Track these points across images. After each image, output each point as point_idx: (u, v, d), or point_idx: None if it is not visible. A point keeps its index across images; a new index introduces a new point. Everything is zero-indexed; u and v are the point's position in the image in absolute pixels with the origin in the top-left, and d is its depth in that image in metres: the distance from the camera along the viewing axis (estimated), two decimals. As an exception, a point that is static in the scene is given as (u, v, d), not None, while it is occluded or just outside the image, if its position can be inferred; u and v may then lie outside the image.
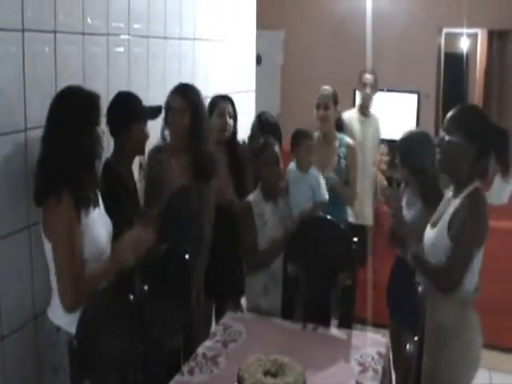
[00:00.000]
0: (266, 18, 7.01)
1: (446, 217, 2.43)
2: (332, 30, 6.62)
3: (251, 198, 3.14)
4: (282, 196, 3.19)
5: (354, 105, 6.76)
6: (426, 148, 2.86)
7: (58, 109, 2.18)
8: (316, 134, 3.74)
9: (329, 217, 3.01)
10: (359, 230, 4.09)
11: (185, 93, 2.97)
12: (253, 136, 3.79)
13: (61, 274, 2.11)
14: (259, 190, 3.15)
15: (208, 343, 2.56)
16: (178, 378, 2.31)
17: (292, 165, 3.37)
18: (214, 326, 3.32)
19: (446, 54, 10.09)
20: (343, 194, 3.65)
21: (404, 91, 6.52)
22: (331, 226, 2.94)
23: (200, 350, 2.51)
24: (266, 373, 2.17)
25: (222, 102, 3.40)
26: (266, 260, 3.02)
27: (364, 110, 4.72)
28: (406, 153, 2.97)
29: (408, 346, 2.18)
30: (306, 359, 2.39)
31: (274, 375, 2.17)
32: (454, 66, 10.82)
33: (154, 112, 2.74)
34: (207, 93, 3.56)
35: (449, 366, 2.45)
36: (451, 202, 2.47)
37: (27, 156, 2.34)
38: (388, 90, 6.38)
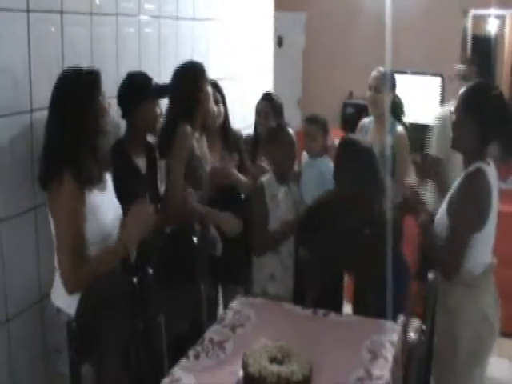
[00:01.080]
0: (287, 0, 6.94)
1: (448, 195, 2.43)
2: (354, 12, 6.50)
3: (264, 179, 3.11)
4: (295, 180, 3.15)
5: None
6: None
7: (58, 91, 2.16)
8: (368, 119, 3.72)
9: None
10: None
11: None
12: (263, 117, 3.67)
13: (60, 252, 2.09)
14: (272, 172, 3.11)
15: (216, 328, 2.53)
16: (183, 362, 2.28)
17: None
18: (221, 311, 3.30)
19: (474, 36, 9.89)
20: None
21: (428, 74, 6.39)
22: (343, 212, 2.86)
23: (207, 334, 2.47)
24: (272, 360, 2.14)
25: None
26: (274, 242, 2.99)
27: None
28: None
29: (412, 336, 2.12)
30: (315, 346, 2.36)
31: (280, 362, 2.14)
32: (482, 48, 10.62)
33: (163, 90, 2.72)
34: (220, 74, 3.52)
35: (459, 346, 2.44)
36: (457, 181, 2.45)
37: (33, 137, 2.32)
38: (412, 73, 6.28)
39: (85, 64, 2.28)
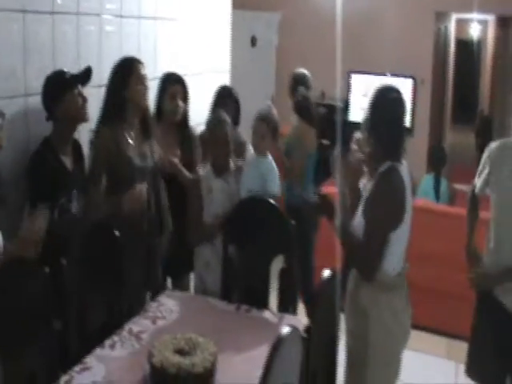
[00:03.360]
0: (261, 0, 6.99)
1: (364, 195, 2.47)
2: (327, 13, 6.54)
3: (201, 172, 3.18)
4: (232, 174, 3.18)
5: (348, 88, 6.75)
6: None
7: None
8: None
9: (273, 194, 3.05)
10: None
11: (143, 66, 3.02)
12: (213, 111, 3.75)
13: None
14: (210, 165, 3.17)
15: (137, 319, 2.60)
16: (97, 351, 2.35)
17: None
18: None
19: (457, 41, 9.95)
20: None
21: (400, 76, 6.44)
22: (269, 208, 2.93)
23: (127, 325, 2.54)
24: (178, 351, 2.20)
25: (174, 85, 3.37)
26: (208, 234, 3.06)
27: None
28: None
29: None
30: (231, 340, 2.43)
31: (186, 354, 2.19)
32: (465, 51, 10.68)
33: (84, 76, 2.75)
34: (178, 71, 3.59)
35: (370, 346, 2.45)
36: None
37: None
38: (384, 75, 6.33)
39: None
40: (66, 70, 2.76)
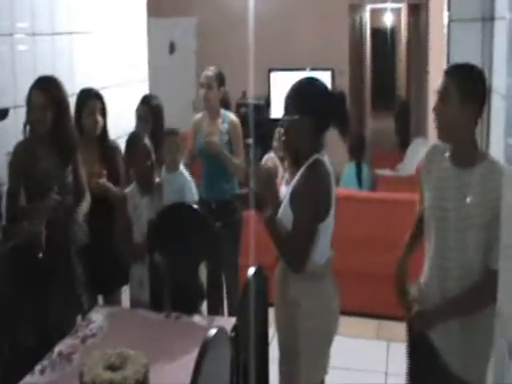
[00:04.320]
0: (177, 6, 7.00)
1: (290, 188, 2.45)
2: (242, 14, 6.60)
3: (128, 190, 3.17)
4: (157, 191, 3.19)
5: (269, 86, 6.83)
6: None
7: None
8: (202, 114, 3.93)
9: (192, 204, 3.06)
10: None
11: (45, 87, 2.95)
12: (143, 121, 3.78)
13: None
14: (135, 183, 3.16)
15: (67, 340, 2.57)
16: (27, 378, 2.31)
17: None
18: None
19: (373, 30, 10.22)
20: (230, 165, 3.75)
21: (318, 69, 6.56)
22: (192, 213, 2.96)
23: (57, 347, 2.51)
24: (109, 367, 2.19)
25: (92, 100, 3.36)
26: (138, 253, 3.05)
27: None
28: None
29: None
30: (162, 349, 2.44)
31: (117, 369, 2.19)
32: (380, 40, 10.99)
33: None
34: (93, 85, 3.56)
35: (302, 337, 2.47)
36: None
37: None
38: (303, 69, 6.43)
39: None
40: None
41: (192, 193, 3.26)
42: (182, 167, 3.31)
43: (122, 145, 3.54)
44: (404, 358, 2.45)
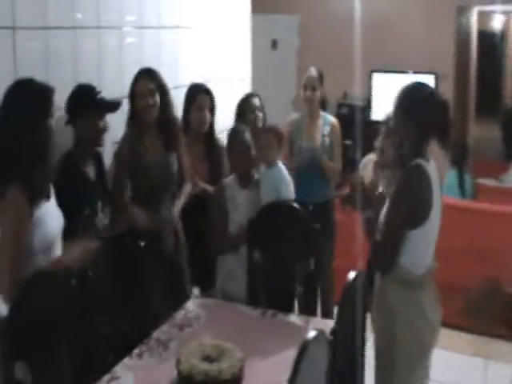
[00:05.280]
0: (280, 3, 7.00)
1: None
2: (348, 13, 6.53)
3: (226, 181, 3.21)
4: (255, 185, 3.22)
5: (370, 88, 6.71)
6: None
7: (7, 101, 2.26)
8: (300, 114, 3.90)
9: (292, 202, 3.05)
10: None
11: (150, 76, 3.05)
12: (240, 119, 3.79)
13: (1, 259, 2.18)
14: (234, 175, 3.20)
15: (165, 327, 2.62)
16: (126, 360, 2.38)
17: None
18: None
19: (479, 33, 9.80)
20: (328, 169, 3.74)
21: (421, 72, 6.37)
22: (292, 212, 2.94)
23: (155, 334, 2.57)
24: (205, 358, 2.22)
25: (201, 96, 3.41)
26: (231, 244, 3.08)
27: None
28: None
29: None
30: (257, 345, 2.44)
31: (213, 361, 2.22)
32: (487, 44, 10.53)
33: (112, 105, 2.77)
34: (189, 80, 3.62)
35: (398, 345, 2.44)
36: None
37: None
38: (406, 72, 6.29)
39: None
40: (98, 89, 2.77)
41: (289, 190, 3.24)
42: (280, 164, 3.30)
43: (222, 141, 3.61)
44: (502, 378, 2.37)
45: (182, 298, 3.06)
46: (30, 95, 2.26)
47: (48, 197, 2.34)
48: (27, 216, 2.21)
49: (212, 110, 3.45)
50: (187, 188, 3.24)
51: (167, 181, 3.10)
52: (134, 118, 3.08)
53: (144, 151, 3.05)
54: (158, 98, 3.04)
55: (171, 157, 3.14)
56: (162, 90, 3.07)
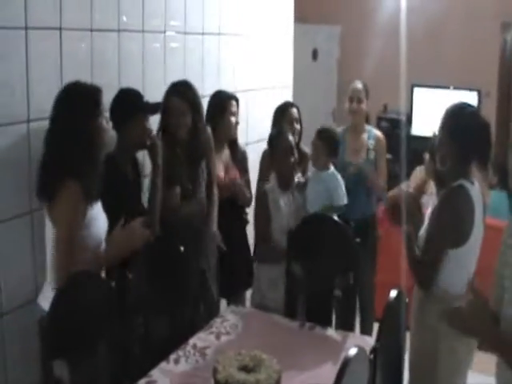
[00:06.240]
0: (322, 13, 6.98)
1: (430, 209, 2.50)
2: (389, 25, 6.48)
3: (268, 185, 3.22)
4: (298, 188, 3.22)
5: (411, 102, 6.63)
6: None
7: (59, 104, 2.30)
8: (343, 127, 3.84)
9: (334, 216, 3.02)
10: None
11: (183, 93, 3.00)
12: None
13: (57, 255, 2.23)
14: (276, 179, 3.20)
15: (202, 334, 2.61)
16: (162, 365, 2.37)
17: None
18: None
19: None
20: (376, 186, 3.67)
21: (464, 89, 6.29)
22: (333, 225, 2.91)
23: (192, 340, 2.56)
24: (243, 368, 2.19)
25: (233, 102, 3.38)
26: (277, 249, 3.08)
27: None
28: None
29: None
30: (294, 358, 2.41)
31: (250, 371, 2.19)
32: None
33: (154, 107, 2.80)
34: (232, 88, 3.62)
35: (436, 363, 2.42)
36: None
37: (30, 146, 2.48)
38: (449, 88, 6.21)
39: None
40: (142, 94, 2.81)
41: (341, 194, 3.22)
42: (333, 168, 3.27)
43: (261, 149, 3.61)
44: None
45: (212, 305, 3.08)
46: (80, 95, 2.29)
47: (99, 197, 2.36)
48: (81, 216, 2.25)
49: (237, 116, 3.43)
50: (215, 199, 3.20)
51: (195, 193, 3.08)
52: (164, 131, 3.04)
53: (174, 165, 3.01)
54: (189, 117, 3.00)
55: (199, 171, 3.11)
56: (195, 108, 3.02)
